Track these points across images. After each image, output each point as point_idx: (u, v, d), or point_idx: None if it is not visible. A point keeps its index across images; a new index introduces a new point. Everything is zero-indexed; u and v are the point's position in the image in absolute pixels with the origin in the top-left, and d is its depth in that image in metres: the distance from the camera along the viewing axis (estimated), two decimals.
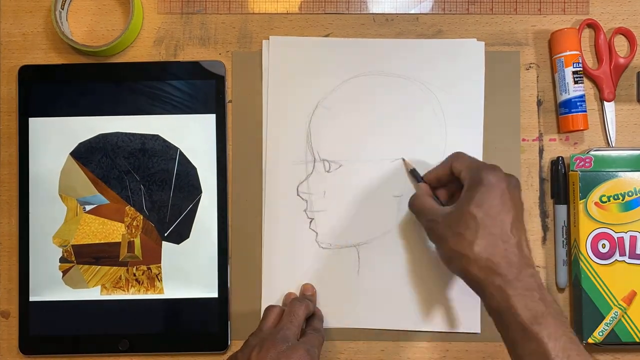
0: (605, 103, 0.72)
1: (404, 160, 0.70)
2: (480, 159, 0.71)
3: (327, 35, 0.72)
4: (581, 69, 0.70)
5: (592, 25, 0.72)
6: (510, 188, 0.60)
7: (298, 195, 0.71)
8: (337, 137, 0.71)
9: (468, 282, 0.59)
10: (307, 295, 0.69)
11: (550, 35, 0.72)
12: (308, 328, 0.66)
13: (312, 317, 0.68)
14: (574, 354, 0.53)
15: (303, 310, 0.65)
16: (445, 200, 0.67)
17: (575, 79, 0.70)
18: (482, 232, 0.58)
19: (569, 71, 0.70)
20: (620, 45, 0.73)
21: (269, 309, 0.66)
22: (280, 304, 0.70)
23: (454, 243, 0.59)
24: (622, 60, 0.71)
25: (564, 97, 0.70)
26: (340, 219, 0.71)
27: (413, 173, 0.70)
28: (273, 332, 0.62)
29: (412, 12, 0.73)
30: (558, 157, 0.71)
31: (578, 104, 0.70)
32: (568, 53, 0.70)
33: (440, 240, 0.61)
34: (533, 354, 0.54)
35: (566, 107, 0.70)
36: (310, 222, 0.71)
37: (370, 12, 0.73)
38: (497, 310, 0.57)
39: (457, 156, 0.65)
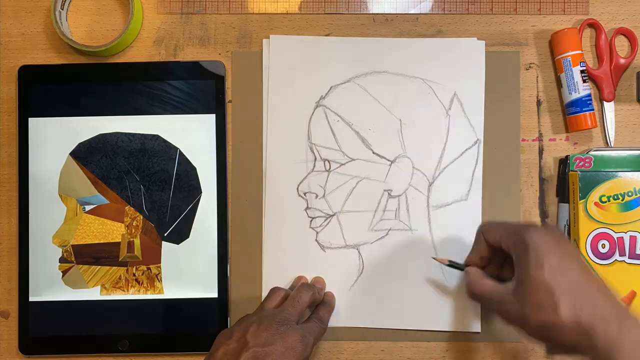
0: (605, 103, 0.72)
1: (435, 259, 0.68)
2: (480, 159, 0.71)
3: (327, 35, 0.72)
4: (585, 68, 0.70)
5: (593, 25, 0.72)
6: (556, 238, 0.55)
7: (298, 194, 0.71)
8: (338, 136, 0.71)
9: (567, 352, 0.53)
10: (316, 287, 0.69)
11: (552, 36, 0.71)
12: (313, 315, 0.66)
13: (321, 305, 0.68)
14: None
15: (309, 297, 0.65)
16: (497, 273, 0.63)
17: (583, 78, 0.70)
18: (559, 292, 0.52)
19: (577, 70, 0.70)
20: (620, 45, 0.73)
21: (274, 290, 0.66)
22: (288, 287, 0.70)
23: (536, 316, 0.53)
24: (622, 61, 0.71)
25: (574, 96, 0.70)
26: (341, 219, 0.71)
27: (452, 265, 0.66)
28: (274, 313, 0.62)
29: (412, 12, 0.73)
30: (566, 156, 0.70)
31: (587, 102, 0.70)
32: (573, 53, 0.70)
33: (519, 320, 0.55)
34: None
35: (577, 106, 0.70)
36: (311, 221, 0.71)
37: (370, 12, 0.73)
38: None
39: (487, 228, 0.61)
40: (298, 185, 0.71)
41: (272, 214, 0.71)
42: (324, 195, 0.71)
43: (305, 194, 0.71)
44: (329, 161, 0.71)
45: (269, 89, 0.71)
